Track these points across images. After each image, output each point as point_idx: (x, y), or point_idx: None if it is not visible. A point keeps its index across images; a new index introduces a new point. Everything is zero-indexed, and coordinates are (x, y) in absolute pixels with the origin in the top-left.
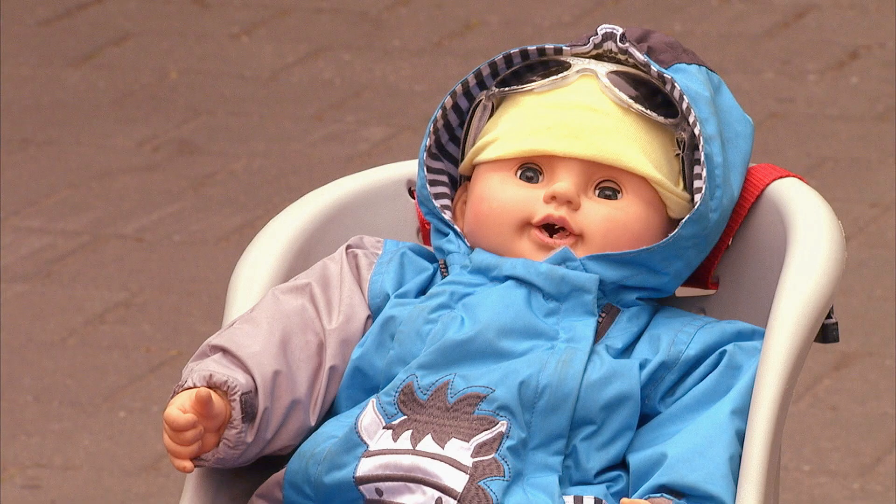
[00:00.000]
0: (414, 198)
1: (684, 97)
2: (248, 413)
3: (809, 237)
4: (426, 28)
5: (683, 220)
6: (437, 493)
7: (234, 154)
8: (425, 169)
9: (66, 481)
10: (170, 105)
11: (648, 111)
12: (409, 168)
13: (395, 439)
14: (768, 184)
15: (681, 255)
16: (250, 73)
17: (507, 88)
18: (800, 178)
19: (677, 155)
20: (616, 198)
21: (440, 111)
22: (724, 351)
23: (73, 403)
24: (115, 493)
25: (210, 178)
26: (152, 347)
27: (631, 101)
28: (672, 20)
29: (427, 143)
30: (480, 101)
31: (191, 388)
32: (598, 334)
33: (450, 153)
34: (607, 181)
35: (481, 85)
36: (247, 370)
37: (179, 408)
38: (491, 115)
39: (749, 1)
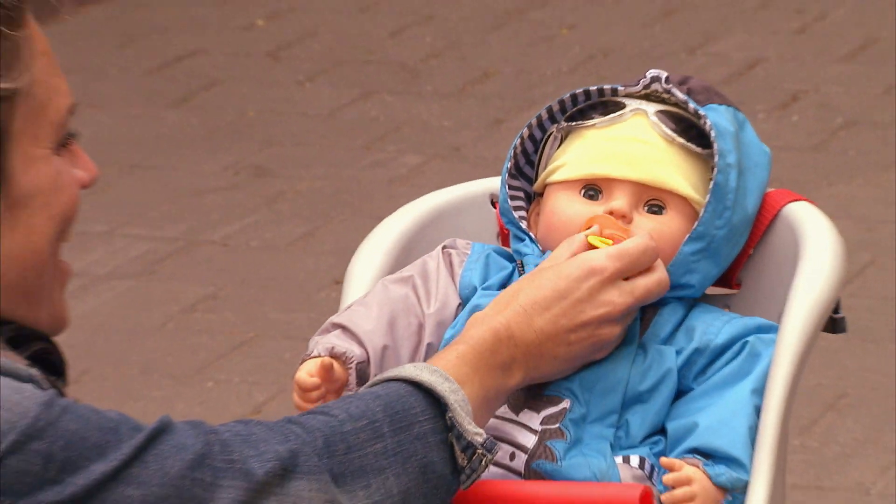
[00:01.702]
0: (496, 208)
1: (713, 131)
2: (362, 379)
3: (817, 250)
4: (453, 76)
5: (685, 239)
6: (511, 449)
7: (299, 177)
8: (507, 186)
9: None
10: (248, 138)
11: (688, 143)
12: (492, 184)
13: None
14: (784, 205)
15: (693, 269)
16: (312, 112)
17: (573, 123)
18: (810, 202)
19: (710, 179)
20: (661, 213)
21: (519, 139)
22: (747, 341)
23: (171, 375)
24: None
25: (280, 196)
26: (234, 331)
27: (674, 134)
28: (648, 70)
29: (508, 166)
30: (552, 133)
31: (316, 357)
32: (643, 329)
33: (526, 174)
34: (655, 200)
35: (552, 119)
36: (361, 344)
37: (307, 373)
38: (560, 145)
39: (711, 55)
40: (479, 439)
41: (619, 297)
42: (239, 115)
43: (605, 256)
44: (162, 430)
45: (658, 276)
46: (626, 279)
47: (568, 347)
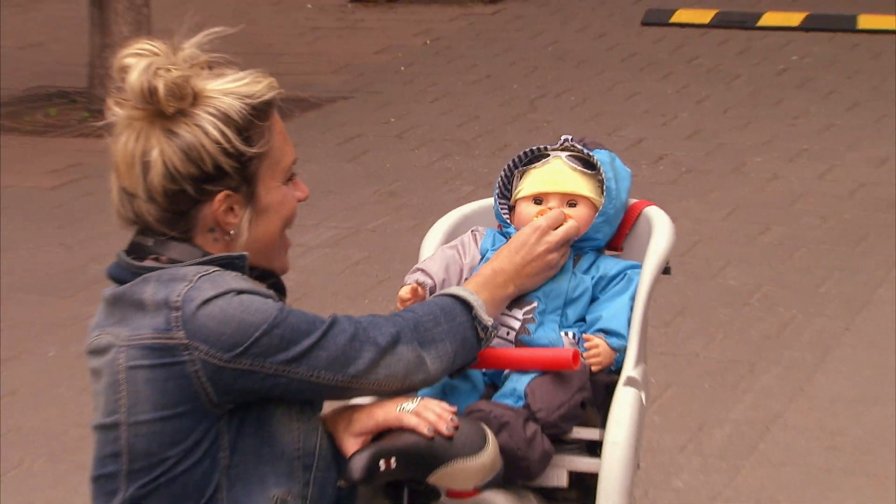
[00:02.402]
0: None
1: (598, 162)
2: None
3: (660, 230)
4: (488, 147)
5: (597, 214)
6: (507, 329)
7: (412, 197)
8: (498, 203)
9: None
10: (386, 177)
11: (584, 169)
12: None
13: None
14: (645, 207)
15: (600, 230)
16: (418, 165)
17: (526, 167)
18: (657, 206)
19: (600, 186)
20: (576, 207)
21: (500, 178)
22: (626, 273)
23: (349, 296)
24: None
25: (402, 207)
26: (378, 275)
27: (576, 165)
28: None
29: (497, 192)
30: (515, 174)
31: (408, 285)
32: (574, 265)
33: (506, 196)
34: (571, 200)
35: (515, 165)
36: (432, 278)
37: (404, 292)
38: (520, 179)
39: (619, 136)
40: (490, 324)
41: (552, 237)
42: (381, 166)
43: (540, 219)
44: (334, 322)
45: (570, 224)
46: (555, 230)
47: (532, 268)
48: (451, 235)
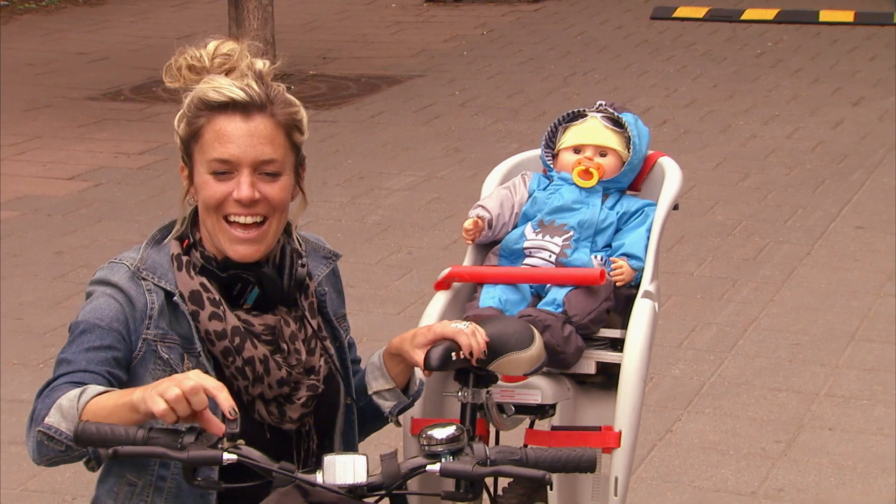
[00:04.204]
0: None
1: (625, 122)
2: (490, 226)
3: (672, 176)
4: (531, 113)
5: (625, 165)
6: (548, 254)
7: (472, 153)
8: (544, 152)
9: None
10: (451, 137)
11: (615, 128)
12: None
13: (536, 235)
14: (659, 158)
15: (625, 175)
16: (478, 126)
17: (568, 124)
18: (670, 156)
19: (626, 141)
20: (606, 156)
21: (546, 132)
22: (644, 209)
23: (423, 227)
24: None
25: (464, 160)
26: (444, 210)
27: (609, 124)
28: (598, 101)
29: (543, 143)
30: (559, 128)
31: (470, 218)
32: (602, 202)
33: (551, 146)
34: (603, 151)
35: (560, 122)
36: (489, 213)
37: (468, 224)
38: (563, 133)
39: (633, 105)
40: (51, 430)
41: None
42: (448, 128)
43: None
44: (63, 361)
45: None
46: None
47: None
48: (506, 178)
